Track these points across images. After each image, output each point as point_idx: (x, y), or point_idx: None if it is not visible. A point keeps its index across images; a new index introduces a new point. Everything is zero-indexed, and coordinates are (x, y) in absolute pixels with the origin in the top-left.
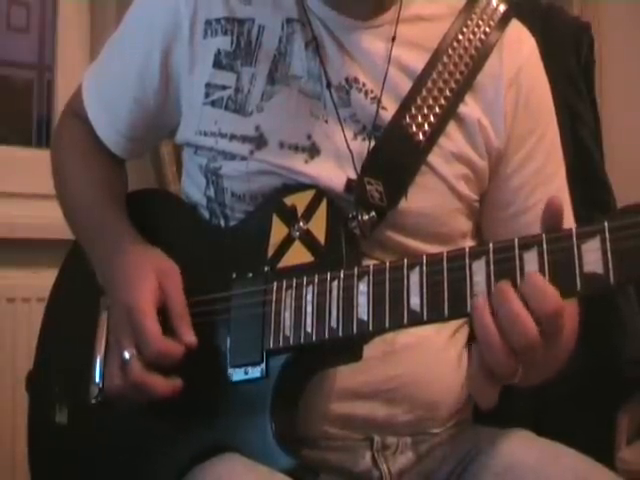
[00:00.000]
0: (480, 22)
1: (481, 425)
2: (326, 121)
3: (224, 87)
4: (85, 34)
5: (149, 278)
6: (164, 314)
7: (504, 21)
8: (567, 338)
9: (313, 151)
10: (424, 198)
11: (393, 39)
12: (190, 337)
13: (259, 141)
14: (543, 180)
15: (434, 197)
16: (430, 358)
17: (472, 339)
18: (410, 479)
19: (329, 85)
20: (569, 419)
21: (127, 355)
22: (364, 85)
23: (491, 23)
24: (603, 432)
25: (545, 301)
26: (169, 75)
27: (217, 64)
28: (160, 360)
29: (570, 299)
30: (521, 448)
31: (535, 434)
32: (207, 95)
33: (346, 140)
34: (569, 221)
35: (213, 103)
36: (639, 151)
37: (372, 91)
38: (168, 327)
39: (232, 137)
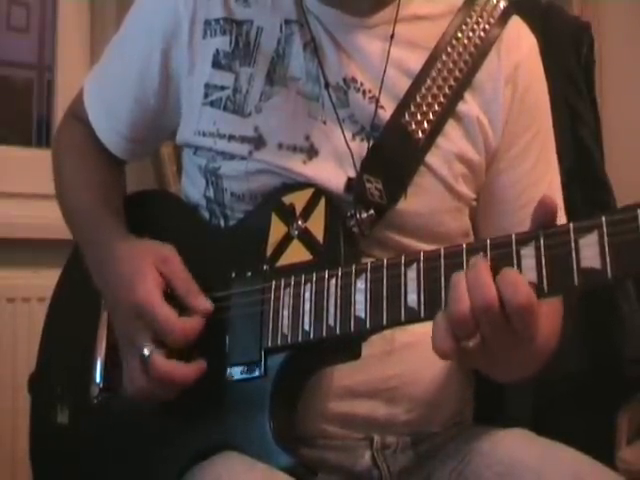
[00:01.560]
0: (479, 19)
1: (481, 425)
2: (324, 122)
3: (223, 87)
4: (85, 34)
5: (147, 268)
6: (172, 298)
7: (504, 18)
8: (546, 338)
9: (311, 152)
10: (423, 198)
11: (391, 37)
12: (205, 304)
13: (258, 142)
14: (535, 179)
15: (432, 197)
16: (430, 357)
17: None
18: (410, 479)
19: (327, 85)
20: (569, 419)
21: (147, 351)
22: (362, 85)
23: (491, 20)
24: (603, 432)
25: (517, 293)
26: (169, 75)
27: (216, 64)
28: (185, 341)
29: (554, 298)
30: (521, 448)
31: (535, 434)
32: (206, 95)
33: (345, 140)
34: (562, 220)
35: (212, 103)
36: (639, 151)
37: (370, 91)
38: (180, 307)
39: (231, 138)
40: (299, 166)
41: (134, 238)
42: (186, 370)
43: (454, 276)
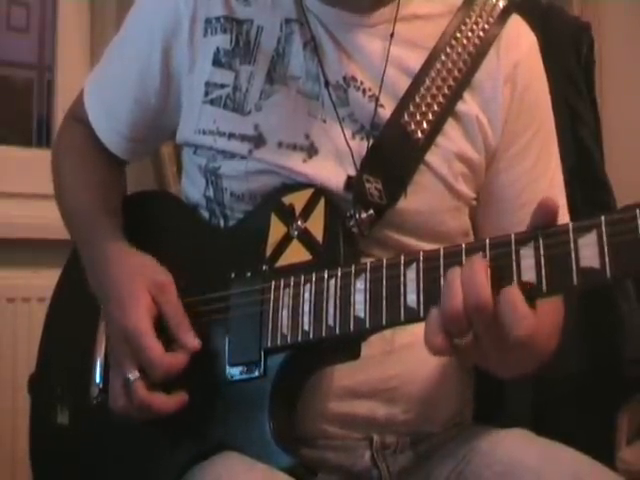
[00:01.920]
0: (479, 19)
1: (481, 425)
2: (324, 121)
3: (223, 85)
4: (85, 34)
5: (142, 294)
6: (162, 326)
7: (503, 17)
8: (546, 337)
9: (311, 150)
10: (422, 197)
11: (391, 36)
12: (193, 341)
13: (258, 140)
14: (535, 178)
15: (432, 196)
16: (429, 357)
17: None
18: (409, 479)
19: (327, 84)
20: (569, 419)
21: (131, 377)
22: (362, 83)
23: (490, 19)
24: (603, 432)
25: (520, 326)
26: (170, 74)
27: (216, 62)
28: (167, 376)
29: (557, 296)
30: (521, 448)
31: (535, 434)
32: (206, 94)
33: (345, 138)
34: (564, 219)
35: (212, 102)
36: (639, 151)
37: (370, 89)
38: (169, 338)
39: (231, 136)
40: (299, 165)
41: (127, 247)
42: (165, 403)
43: (450, 272)
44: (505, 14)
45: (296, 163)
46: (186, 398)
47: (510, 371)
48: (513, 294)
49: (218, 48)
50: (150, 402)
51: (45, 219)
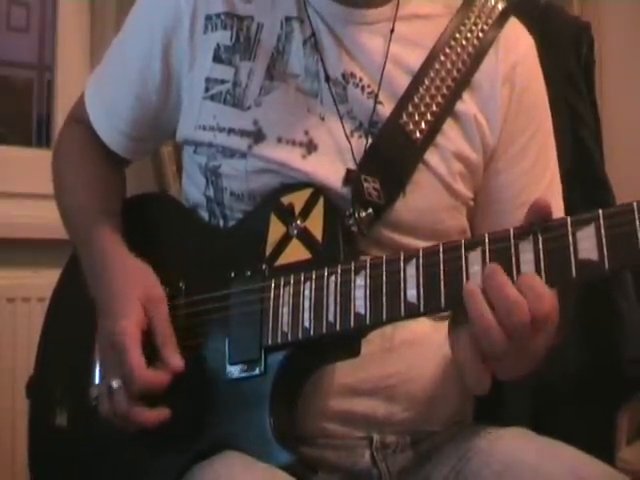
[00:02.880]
0: (478, 20)
1: (481, 424)
2: (323, 118)
3: (223, 81)
4: (85, 34)
5: (134, 306)
6: (150, 340)
7: (502, 19)
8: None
9: (310, 147)
10: (421, 196)
11: (391, 32)
12: (177, 361)
13: (257, 135)
14: (534, 178)
15: (431, 195)
16: (429, 355)
17: (454, 325)
18: (409, 478)
19: (327, 80)
20: (569, 419)
21: (114, 384)
22: (361, 80)
23: (489, 21)
24: (603, 432)
25: (542, 303)
26: (170, 71)
27: (217, 58)
28: (145, 391)
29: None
30: (520, 446)
31: (534, 433)
32: (207, 89)
33: (346, 134)
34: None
35: (212, 97)
36: (639, 151)
37: (369, 86)
38: (154, 353)
39: (230, 131)
40: (298, 161)
41: (125, 252)
42: (145, 417)
43: (472, 299)
44: (503, 17)
45: (295, 159)
46: (167, 414)
47: (513, 373)
48: (532, 280)
49: (218, 44)
50: (128, 413)
51: (45, 219)
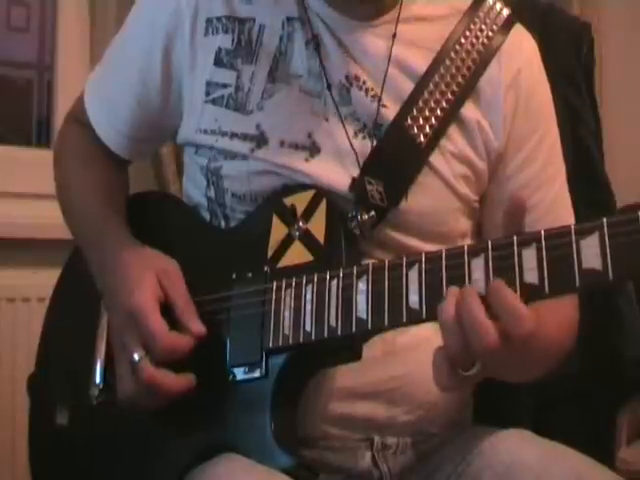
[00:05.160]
0: (483, 26)
1: (481, 425)
2: (326, 119)
3: (225, 85)
4: (85, 34)
5: (149, 278)
6: (168, 311)
7: (507, 26)
8: (558, 335)
9: (313, 150)
10: (424, 198)
11: (394, 36)
12: (198, 326)
13: (260, 139)
14: (543, 183)
15: (434, 197)
16: (430, 359)
17: None
18: (411, 479)
19: (329, 83)
20: (569, 419)
21: (136, 357)
22: (364, 83)
23: (494, 27)
24: (603, 432)
25: (519, 325)
26: (171, 74)
27: (218, 62)
28: (170, 356)
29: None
30: (521, 448)
31: (535, 434)
32: (208, 93)
33: (348, 137)
34: (570, 222)
35: (214, 101)
36: (639, 151)
37: (372, 89)
38: (174, 323)
39: (233, 135)
40: (301, 164)
41: (138, 243)
42: (173, 381)
43: (443, 315)
44: (508, 24)
45: (298, 162)
46: (193, 380)
47: (523, 376)
48: (505, 296)
49: (220, 48)
50: (158, 379)
51: (45, 219)
